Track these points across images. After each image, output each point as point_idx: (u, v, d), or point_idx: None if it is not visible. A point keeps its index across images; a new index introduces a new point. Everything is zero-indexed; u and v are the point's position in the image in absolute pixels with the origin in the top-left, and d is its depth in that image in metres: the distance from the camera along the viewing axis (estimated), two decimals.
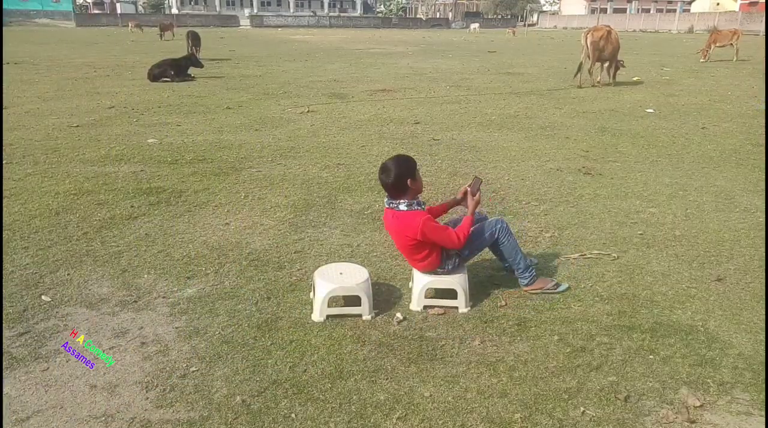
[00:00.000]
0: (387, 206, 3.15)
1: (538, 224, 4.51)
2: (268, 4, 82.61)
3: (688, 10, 63.53)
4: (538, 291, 3.39)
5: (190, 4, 78.31)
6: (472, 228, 3.27)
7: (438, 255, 3.21)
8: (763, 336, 2.97)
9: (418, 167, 3.12)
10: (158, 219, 4.56)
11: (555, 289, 3.40)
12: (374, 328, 3.04)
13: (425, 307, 3.22)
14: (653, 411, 2.43)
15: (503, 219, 3.43)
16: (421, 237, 3.06)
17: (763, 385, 2.59)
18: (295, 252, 3.95)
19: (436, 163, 6.27)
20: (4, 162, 6.13)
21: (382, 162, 3.12)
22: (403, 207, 3.07)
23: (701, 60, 19.09)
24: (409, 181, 3.03)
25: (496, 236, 3.31)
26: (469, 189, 3.32)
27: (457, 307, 3.21)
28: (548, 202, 5.03)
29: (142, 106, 9.89)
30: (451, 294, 3.23)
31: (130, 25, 44.02)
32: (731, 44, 19.67)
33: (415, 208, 3.09)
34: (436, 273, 3.25)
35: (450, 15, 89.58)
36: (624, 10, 73.44)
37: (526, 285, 3.39)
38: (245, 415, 2.39)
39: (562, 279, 3.59)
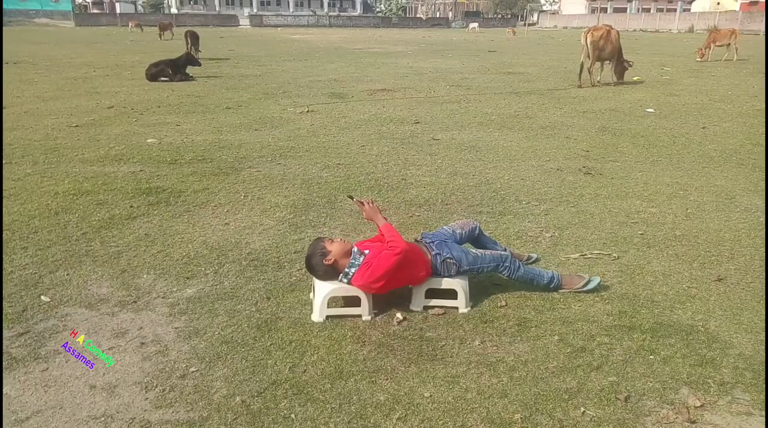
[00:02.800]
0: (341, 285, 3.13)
1: (538, 224, 4.50)
2: (268, 3, 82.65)
3: (689, 10, 63.49)
4: (569, 291, 3.37)
5: (190, 3, 78.35)
6: (477, 251, 3.35)
7: (414, 270, 3.15)
8: (763, 336, 2.96)
9: (325, 241, 3.15)
10: (158, 219, 4.56)
11: (583, 288, 3.36)
12: (374, 328, 3.03)
13: (425, 307, 3.22)
14: (654, 412, 2.43)
15: (511, 258, 3.36)
16: (379, 277, 3.03)
17: (764, 385, 2.58)
18: (295, 253, 3.95)
19: (436, 163, 6.27)
20: (3, 162, 6.12)
21: (305, 261, 3.20)
22: (345, 280, 3.08)
23: (697, 59, 19.08)
24: (326, 263, 3.07)
25: (501, 271, 3.31)
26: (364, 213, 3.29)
27: (457, 307, 3.20)
28: (548, 201, 5.02)
29: (142, 105, 9.88)
30: (451, 294, 3.22)
31: (130, 24, 44.00)
32: (729, 44, 19.66)
33: (353, 269, 3.07)
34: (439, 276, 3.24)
35: (450, 14, 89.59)
36: (624, 10, 73.47)
37: (554, 290, 3.38)
38: (245, 415, 2.38)
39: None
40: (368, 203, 3.25)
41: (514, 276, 3.32)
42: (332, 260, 3.08)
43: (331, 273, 3.11)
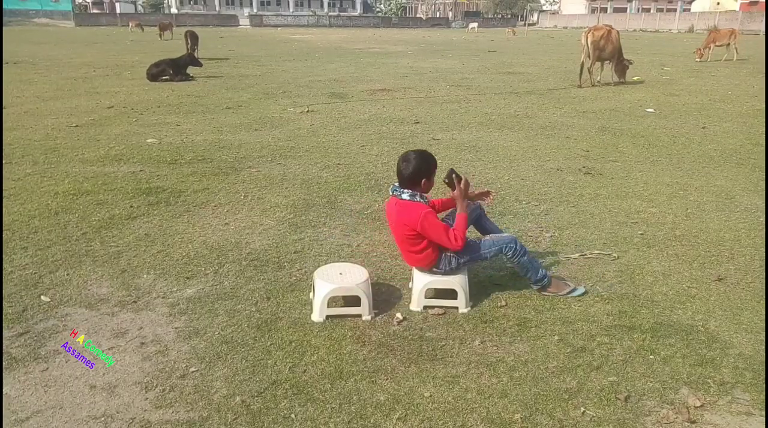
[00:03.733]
0: (392, 193, 3.17)
1: (538, 224, 4.50)
2: (268, 3, 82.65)
3: (689, 10, 63.45)
4: (551, 295, 3.34)
5: (190, 3, 78.34)
6: (484, 238, 3.30)
7: (435, 251, 3.19)
8: (763, 336, 2.96)
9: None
10: (158, 219, 4.56)
11: (567, 295, 3.33)
12: (374, 328, 3.03)
13: (425, 307, 3.22)
14: (654, 411, 2.43)
15: (517, 239, 3.32)
16: (420, 230, 3.07)
17: (764, 385, 2.58)
18: (294, 252, 3.95)
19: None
20: (3, 162, 6.13)
21: (407, 151, 3.18)
22: (406, 196, 3.09)
23: (696, 59, 19.08)
24: (423, 181, 3.09)
25: (503, 253, 3.25)
26: (451, 187, 3.25)
27: (457, 307, 3.20)
28: (548, 201, 5.02)
29: (142, 105, 9.88)
30: (451, 294, 3.22)
31: (131, 24, 43.96)
32: (729, 44, 19.66)
33: (418, 199, 3.10)
34: (432, 272, 3.24)
35: (450, 14, 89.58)
36: (624, 10, 73.43)
37: (539, 289, 3.36)
38: (245, 415, 2.38)
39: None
40: (465, 185, 3.21)
41: (516, 259, 3.25)
42: (428, 185, 3.11)
43: (416, 184, 3.08)
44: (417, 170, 3.05)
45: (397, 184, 3.16)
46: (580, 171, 5.98)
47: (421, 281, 3.23)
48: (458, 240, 3.07)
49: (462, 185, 3.20)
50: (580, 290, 3.39)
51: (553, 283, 3.36)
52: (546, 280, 3.33)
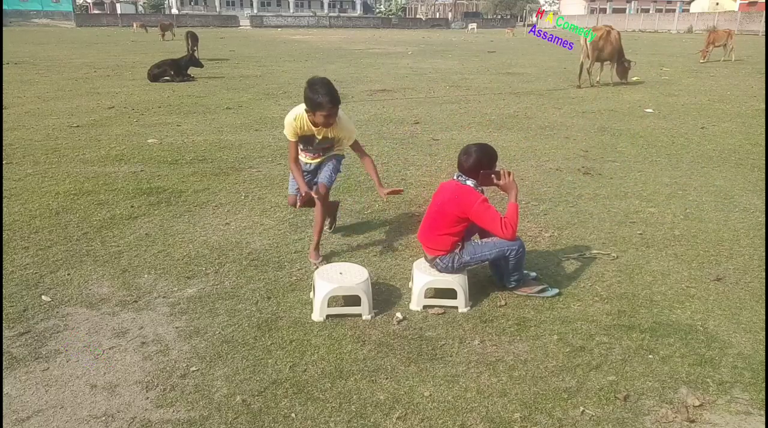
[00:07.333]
0: (455, 177, 3.26)
1: (538, 224, 4.51)
2: (268, 4, 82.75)
3: (688, 10, 63.49)
4: (524, 294, 3.36)
5: (190, 4, 78.41)
6: (485, 240, 3.32)
7: (459, 242, 3.25)
8: (762, 336, 2.97)
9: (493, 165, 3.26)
10: (158, 219, 4.57)
11: (540, 294, 3.35)
12: (374, 328, 3.04)
13: (425, 307, 3.23)
14: (653, 411, 2.44)
15: (522, 241, 3.32)
16: (473, 214, 3.13)
17: (763, 385, 2.59)
18: (295, 252, 3.96)
19: (436, 163, 6.28)
20: (4, 162, 6.14)
21: (469, 144, 3.29)
22: (470, 183, 3.20)
23: (701, 60, 19.11)
24: (481, 172, 3.20)
25: (507, 255, 3.24)
26: (489, 183, 3.29)
27: (456, 307, 3.21)
28: (548, 201, 5.03)
29: (142, 106, 9.89)
30: (450, 294, 3.23)
31: (134, 25, 44.11)
32: (726, 44, 19.67)
33: (479, 190, 3.21)
34: (435, 264, 3.26)
35: (450, 15, 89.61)
36: (623, 10, 73.44)
37: (513, 288, 3.38)
38: (245, 415, 2.39)
39: (562, 279, 3.60)
40: (508, 175, 3.24)
41: (513, 259, 3.26)
42: (485, 178, 3.18)
43: (474, 173, 3.18)
44: (477, 162, 3.18)
45: (461, 173, 3.27)
46: (579, 171, 5.99)
47: (420, 281, 3.25)
48: (509, 228, 3.14)
49: (509, 177, 3.22)
50: (552, 291, 3.39)
51: (526, 282, 3.40)
52: (522, 280, 3.37)
